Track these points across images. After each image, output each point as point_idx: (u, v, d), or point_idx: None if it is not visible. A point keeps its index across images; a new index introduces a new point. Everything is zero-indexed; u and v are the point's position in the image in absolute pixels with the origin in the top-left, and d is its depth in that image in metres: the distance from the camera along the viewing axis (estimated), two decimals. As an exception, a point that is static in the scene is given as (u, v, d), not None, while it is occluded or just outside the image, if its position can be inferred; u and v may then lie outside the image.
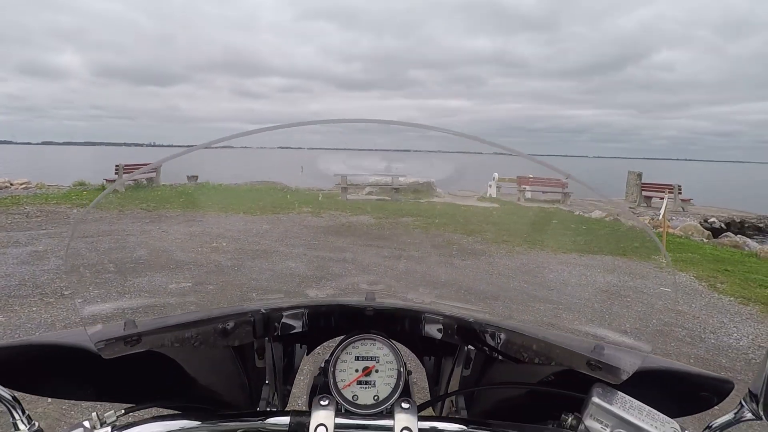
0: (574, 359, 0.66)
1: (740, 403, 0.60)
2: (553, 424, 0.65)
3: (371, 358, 0.68)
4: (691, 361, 3.58)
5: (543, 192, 17.53)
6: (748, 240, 10.47)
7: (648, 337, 0.73)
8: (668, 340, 3.97)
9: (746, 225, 14.36)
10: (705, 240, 9.97)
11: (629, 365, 0.62)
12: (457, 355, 0.87)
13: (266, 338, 0.81)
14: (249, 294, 4.64)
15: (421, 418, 0.62)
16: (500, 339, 0.74)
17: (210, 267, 5.66)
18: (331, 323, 0.82)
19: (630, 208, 15.73)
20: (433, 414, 0.88)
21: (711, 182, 57.31)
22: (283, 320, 0.79)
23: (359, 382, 0.66)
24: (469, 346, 0.82)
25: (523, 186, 17.22)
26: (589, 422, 0.60)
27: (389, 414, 0.63)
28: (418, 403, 0.65)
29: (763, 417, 0.56)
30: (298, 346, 0.93)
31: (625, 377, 0.61)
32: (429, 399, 0.90)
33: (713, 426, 0.60)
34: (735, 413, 0.60)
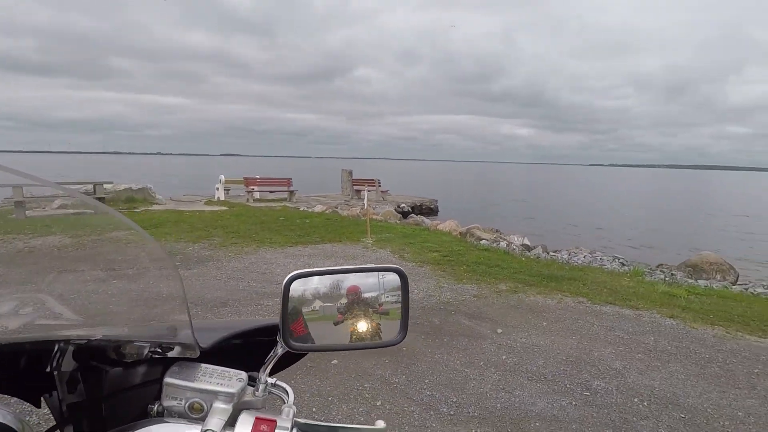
0: (153, 347, 0.68)
1: (276, 339, 0.71)
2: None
3: None
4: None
5: (271, 191, 18.08)
6: (425, 218, 13.62)
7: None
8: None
9: (423, 207, 18.61)
10: (398, 222, 12.38)
11: (188, 337, 0.66)
12: (59, 382, 0.73)
13: None
14: None
15: None
16: (102, 349, 0.70)
17: None
18: None
19: (345, 201, 17.99)
20: None
21: (401, 176, 71.55)
22: None
23: None
24: (70, 367, 0.70)
25: (251, 186, 17.32)
26: (167, 403, 0.64)
27: None
28: None
29: (287, 346, 0.69)
30: None
31: (200, 349, 0.68)
32: None
33: (266, 362, 0.71)
34: (274, 348, 0.71)
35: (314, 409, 2.73)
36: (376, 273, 0.73)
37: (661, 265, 8.99)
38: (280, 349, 0.69)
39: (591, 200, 34.34)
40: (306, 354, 0.73)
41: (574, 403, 2.91)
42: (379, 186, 19.02)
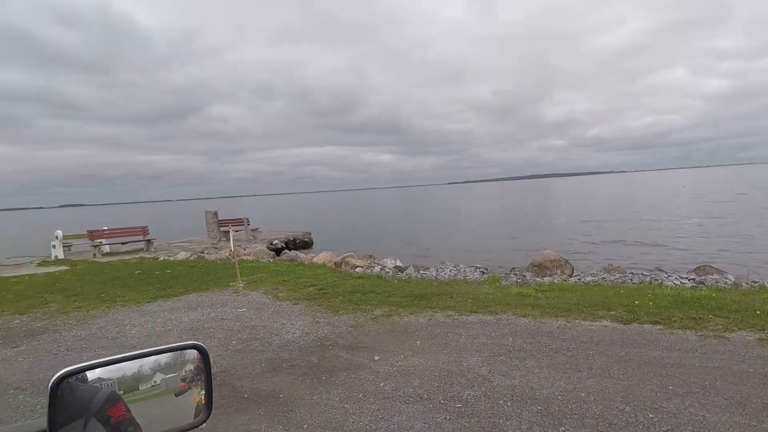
0: None
1: None
2: None
3: None
4: (263, 364, 4.16)
5: (123, 243, 16.30)
6: (299, 253, 13.35)
7: None
8: (246, 354, 4.47)
9: (297, 241, 18.29)
10: (271, 260, 11.94)
11: None
12: None
13: None
14: None
15: None
16: None
17: None
18: None
19: (212, 244, 16.82)
20: None
21: (273, 212, 69.62)
22: None
23: None
24: None
25: (98, 240, 15.36)
26: None
27: None
28: None
29: None
30: None
31: None
32: None
33: None
34: None
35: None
36: (172, 354, 0.67)
37: (514, 268, 10.11)
38: None
39: (453, 216, 37.50)
40: None
41: (448, 417, 3.03)
42: (248, 224, 18.23)
